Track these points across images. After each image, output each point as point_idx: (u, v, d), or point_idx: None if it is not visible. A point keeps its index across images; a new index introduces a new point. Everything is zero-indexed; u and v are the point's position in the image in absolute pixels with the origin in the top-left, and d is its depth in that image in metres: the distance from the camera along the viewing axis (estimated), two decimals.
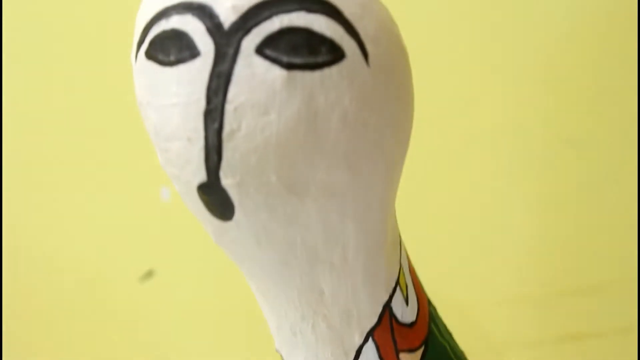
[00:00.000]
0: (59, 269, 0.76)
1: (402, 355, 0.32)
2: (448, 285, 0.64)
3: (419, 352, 0.33)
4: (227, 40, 0.24)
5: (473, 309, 0.69)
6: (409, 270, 0.33)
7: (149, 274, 0.73)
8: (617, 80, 0.63)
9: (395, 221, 0.31)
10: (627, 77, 0.62)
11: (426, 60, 0.62)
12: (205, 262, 0.69)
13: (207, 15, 0.24)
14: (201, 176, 0.25)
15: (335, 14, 0.24)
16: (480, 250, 0.69)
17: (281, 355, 0.33)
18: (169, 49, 0.25)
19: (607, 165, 0.65)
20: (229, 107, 0.24)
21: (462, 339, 0.39)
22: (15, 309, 0.78)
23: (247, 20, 0.24)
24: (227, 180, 0.25)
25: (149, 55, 0.25)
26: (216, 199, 0.26)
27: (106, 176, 0.72)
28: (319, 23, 0.24)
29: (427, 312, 0.34)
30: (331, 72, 0.24)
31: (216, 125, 0.24)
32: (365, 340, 0.31)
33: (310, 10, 0.24)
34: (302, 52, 0.23)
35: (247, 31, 0.23)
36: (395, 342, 0.31)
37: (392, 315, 0.31)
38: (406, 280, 0.32)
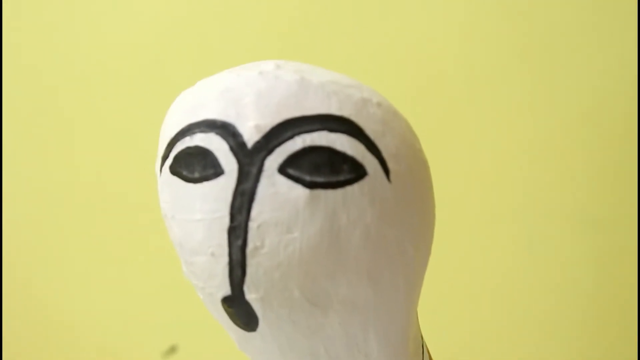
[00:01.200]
0: (82, 343, 0.76)
1: None
2: None
3: None
4: (250, 160, 0.24)
5: None
6: None
7: (172, 350, 0.73)
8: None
9: (418, 326, 0.31)
10: None
11: (452, 143, 0.62)
12: (228, 339, 0.69)
13: (230, 134, 0.24)
14: (225, 290, 0.25)
15: (357, 133, 0.24)
16: (500, 333, 0.68)
17: None
18: (193, 165, 0.25)
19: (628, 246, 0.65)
20: (252, 225, 0.24)
21: None
22: None
23: (270, 140, 0.24)
24: (251, 295, 0.25)
25: (174, 170, 0.26)
26: (240, 311, 0.26)
27: (131, 252, 0.72)
28: (341, 142, 0.24)
29: None
30: (353, 190, 0.24)
31: (240, 242, 0.24)
32: None
33: (332, 129, 0.24)
34: (325, 171, 0.24)
35: (270, 151, 0.24)
36: None
37: None
38: None
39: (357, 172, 0.24)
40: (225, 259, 0.25)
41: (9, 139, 0.72)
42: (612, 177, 0.64)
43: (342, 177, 0.24)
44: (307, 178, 0.24)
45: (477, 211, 0.67)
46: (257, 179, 0.24)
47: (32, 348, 0.77)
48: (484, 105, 0.65)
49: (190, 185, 0.25)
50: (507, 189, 0.66)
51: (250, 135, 0.24)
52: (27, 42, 0.71)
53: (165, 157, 0.26)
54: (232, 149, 0.24)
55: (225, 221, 0.24)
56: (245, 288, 0.25)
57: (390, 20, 0.65)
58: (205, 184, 0.25)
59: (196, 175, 0.25)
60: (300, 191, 0.24)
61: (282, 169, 0.24)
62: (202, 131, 0.25)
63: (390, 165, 0.25)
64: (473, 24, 0.64)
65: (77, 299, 0.76)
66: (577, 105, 0.63)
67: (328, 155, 0.24)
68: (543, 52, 0.63)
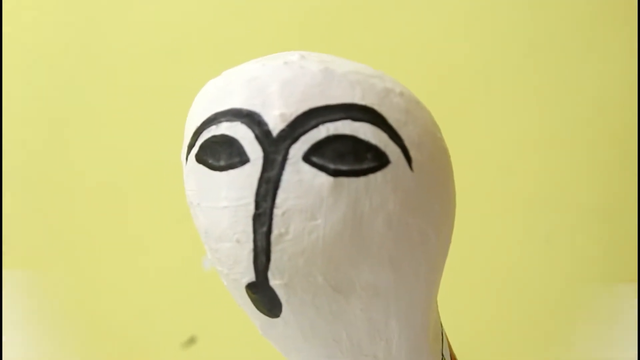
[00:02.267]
0: (102, 334, 0.77)
1: None
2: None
3: None
4: (275, 148, 0.24)
5: None
6: (451, 359, 0.33)
7: (191, 341, 0.74)
8: None
9: (438, 313, 0.31)
10: None
11: (463, 138, 0.62)
12: (247, 329, 0.69)
13: (255, 122, 0.25)
14: (250, 276, 0.26)
15: (380, 121, 0.25)
16: (509, 321, 0.69)
17: None
18: (219, 154, 0.26)
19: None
20: (277, 212, 0.25)
21: None
22: None
23: (295, 129, 0.24)
24: (275, 281, 0.26)
25: (199, 159, 0.26)
26: (264, 297, 0.26)
27: (151, 244, 0.73)
28: (364, 130, 0.24)
29: None
30: (376, 178, 0.24)
31: (265, 228, 0.25)
32: None
33: (355, 118, 0.24)
34: (348, 159, 0.24)
35: (295, 139, 0.24)
36: None
37: None
38: None
39: (380, 160, 0.24)
40: (250, 245, 0.25)
41: (9, 136, 0.73)
42: (617, 170, 0.65)
43: (365, 165, 0.24)
44: (331, 166, 0.24)
45: (487, 202, 0.67)
46: (282, 167, 0.24)
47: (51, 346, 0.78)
48: (495, 101, 0.65)
49: (216, 173, 0.26)
50: (516, 181, 0.66)
51: (276, 124, 0.24)
52: (27, 40, 0.72)
53: (191, 146, 0.27)
54: (257, 137, 0.25)
55: (251, 208, 0.25)
56: (270, 274, 0.25)
57: (403, 17, 0.65)
58: (231, 172, 0.25)
59: (222, 163, 0.25)
60: (324, 179, 0.24)
61: (307, 157, 0.24)
62: (228, 120, 0.25)
63: (413, 153, 0.25)
64: (488, 20, 0.64)
65: (96, 290, 0.76)
66: (586, 102, 0.64)
67: (352, 143, 0.24)
68: (553, 48, 0.63)
